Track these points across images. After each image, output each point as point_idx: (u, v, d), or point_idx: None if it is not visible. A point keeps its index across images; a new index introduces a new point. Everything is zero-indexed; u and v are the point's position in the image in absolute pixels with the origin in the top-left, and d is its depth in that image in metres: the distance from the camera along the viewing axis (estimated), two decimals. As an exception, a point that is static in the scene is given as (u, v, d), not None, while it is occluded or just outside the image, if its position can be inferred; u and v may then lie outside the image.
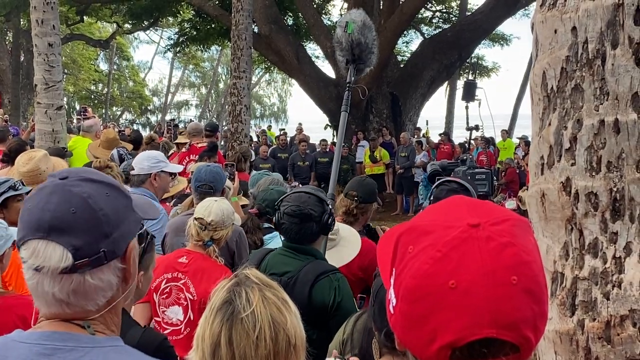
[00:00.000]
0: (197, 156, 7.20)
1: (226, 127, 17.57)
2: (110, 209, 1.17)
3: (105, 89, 39.05)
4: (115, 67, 40.65)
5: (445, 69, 17.57)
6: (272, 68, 26.47)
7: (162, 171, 4.30)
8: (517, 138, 17.02)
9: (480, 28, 16.95)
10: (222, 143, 14.45)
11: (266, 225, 4.26)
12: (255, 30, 15.62)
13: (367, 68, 4.17)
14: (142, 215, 1.27)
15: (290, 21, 20.40)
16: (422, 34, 23.67)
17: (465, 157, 7.14)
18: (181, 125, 20.92)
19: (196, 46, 23.51)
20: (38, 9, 7.57)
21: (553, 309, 1.81)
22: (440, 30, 21.90)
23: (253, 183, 5.07)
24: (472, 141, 11.87)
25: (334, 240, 3.25)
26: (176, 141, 9.58)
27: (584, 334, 1.73)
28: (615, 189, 1.70)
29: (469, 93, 8.87)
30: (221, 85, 48.26)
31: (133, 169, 4.33)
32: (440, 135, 17.68)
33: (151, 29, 30.28)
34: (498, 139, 16.55)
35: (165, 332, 3.04)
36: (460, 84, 19.16)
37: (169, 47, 23.99)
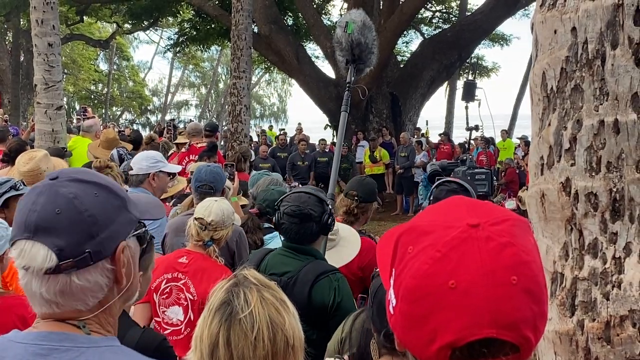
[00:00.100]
0: (197, 156, 7.19)
1: (226, 127, 17.56)
2: (98, 209, 1.16)
3: (105, 89, 39.05)
4: (115, 67, 40.65)
5: (445, 69, 17.57)
6: (272, 68, 26.48)
7: (160, 171, 4.30)
8: (517, 138, 17.04)
9: (480, 28, 16.96)
10: (222, 143, 14.42)
11: (266, 225, 4.26)
12: (255, 30, 15.62)
13: (367, 68, 4.17)
14: (139, 215, 1.25)
15: (290, 21, 20.38)
16: (422, 34, 23.68)
17: (465, 157, 7.15)
18: (181, 126, 20.92)
19: (196, 46, 23.49)
20: (38, 9, 7.57)
21: (553, 309, 1.81)
22: (440, 30, 21.91)
23: (253, 183, 5.06)
24: (472, 141, 11.88)
25: (333, 241, 3.25)
26: (176, 141, 9.59)
27: (584, 334, 1.73)
28: (615, 190, 1.70)
29: (469, 93, 8.89)
30: (221, 85, 48.27)
31: (132, 169, 4.33)
32: (440, 135, 17.69)
33: (151, 29, 30.29)
34: (498, 139, 16.56)
35: (166, 332, 3.04)
36: (460, 84, 19.20)
37: (168, 47, 23.97)
